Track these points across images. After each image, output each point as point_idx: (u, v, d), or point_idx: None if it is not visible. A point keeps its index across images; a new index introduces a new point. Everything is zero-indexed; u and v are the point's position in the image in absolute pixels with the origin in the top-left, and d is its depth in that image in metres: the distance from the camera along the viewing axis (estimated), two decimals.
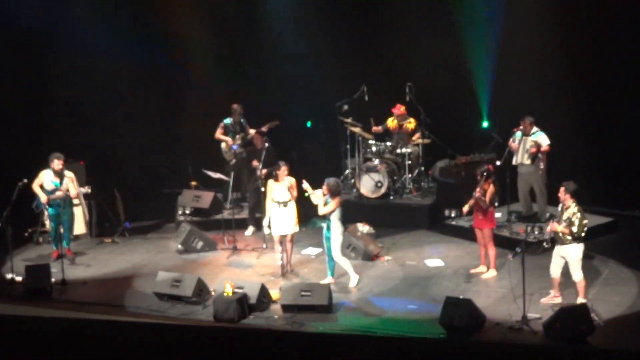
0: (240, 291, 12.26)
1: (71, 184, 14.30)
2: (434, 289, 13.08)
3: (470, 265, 13.75)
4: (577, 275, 11.97)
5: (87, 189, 14.79)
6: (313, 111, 17.91)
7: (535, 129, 14.71)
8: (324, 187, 13.00)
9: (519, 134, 14.76)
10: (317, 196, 13.11)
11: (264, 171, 14.78)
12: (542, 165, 14.72)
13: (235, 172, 15.93)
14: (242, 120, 16.13)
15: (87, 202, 15.26)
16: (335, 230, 12.99)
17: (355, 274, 13.21)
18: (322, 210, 12.99)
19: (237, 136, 16.05)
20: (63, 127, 16.57)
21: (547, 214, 14.73)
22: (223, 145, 16.18)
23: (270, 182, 13.68)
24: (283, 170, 13.54)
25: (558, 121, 15.55)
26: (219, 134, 16.14)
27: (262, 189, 14.62)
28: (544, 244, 12.27)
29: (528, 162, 14.68)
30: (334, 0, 17.70)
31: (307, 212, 14.40)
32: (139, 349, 8.83)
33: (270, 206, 13.60)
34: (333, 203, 12.95)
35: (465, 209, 13.47)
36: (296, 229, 13.66)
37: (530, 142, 14.63)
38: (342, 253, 13.21)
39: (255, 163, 14.95)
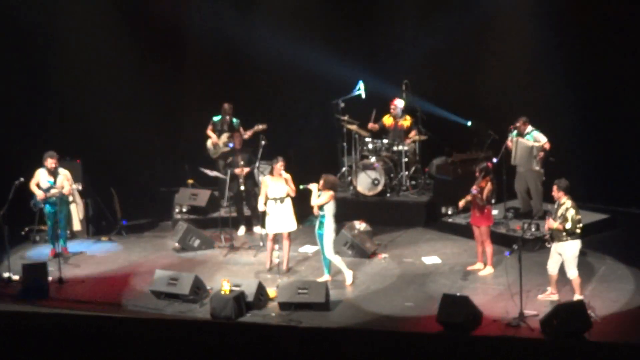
0: (238, 289, 12.27)
1: (66, 182, 14.30)
2: (431, 286, 13.09)
3: (467, 262, 13.76)
4: (572, 273, 11.99)
5: (77, 185, 14.78)
6: (311, 108, 17.89)
7: (529, 128, 14.72)
8: (320, 182, 12.97)
9: (514, 133, 14.77)
10: (312, 189, 13.06)
11: (246, 170, 14.89)
12: (537, 167, 14.70)
13: (230, 170, 15.92)
14: (234, 120, 16.09)
15: (83, 200, 15.24)
16: (328, 227, 12.98)
17: (349, 270, 13.21)
18: (314, 201, 12.95)
19: (223, 135, 16.02)
20: (60, 125, 16.56)
21: (541, 212, 14.74)
22: (208, 142, 16.19)
23: (266, 178, 13.67)
24: (280, 165, 13.53)
25: (555, 118, 15.57)
26: (209, 131, 16.17)
27: (242, 188, 14.90)
28: (546, 243, 12.26)
29: (537, 167, 14.65)
30: None
31: (304, 210, 14.40)
32: (136, 345, 8.84)
33: (261, 202, 13.59)
34: (327, 195, 12.92)
35: (462, 203, 13.48)
36: (294, 227, 13.66)
37: (535, 148, 14.54)
38: (338, 250, 13.20)
39: (237, 171, 14.98)
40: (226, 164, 15.55)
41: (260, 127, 15.73)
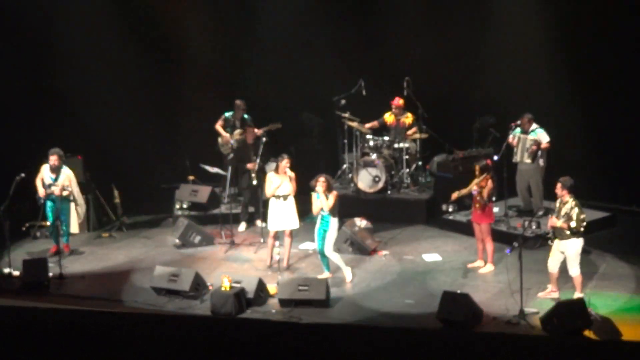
0: (238, 286, 12.27)
1: (67, 182, 14.27)
2: (432, 283, 13.09)
3: (467, 259, 13.76)
4: (574, 270, 11.99)
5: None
6: (310, 106, 17.86)
7: (534, 126, 14.73)
8: (321, 184, 12.95)
9: (517, 130, 14.77)
10: (320, 196, 13.06)
11: (256, 164, 14.88)
12: (542, 163, 14.75)
13: (232, 166, 15.91)
14: (245, 116, 16.04)
15: (84, 197, 15.19)
16: (334, 225, 12.99)
17: (348, 267, 13.21)
18: (327, 206, 12.96)
19: (236, 131, 15.97)
20: (61, 121, 16.55)
21: (542, 210, 14.74)
22: (219, 138, 16.14)
23: (270, 174, 13.66)
24: (285, 162, 13.51)
25: (557, 116, 15.56)
26: (218, 126, 16.09)
27: (255, 183, 14.81)
28: (549, 242, 12.24)
29: (529, 160, 14.69)
30: None
31: (304, 207, 14.40)
32: (137, 341, 8.85)
33: (268, 193, 13.58)
34: (333, 196, 12.96)
35: (455, 195, 13.44)
36: (296, 225, 13.65)
37: (529, 140, 14.64)
38: (339, 248, 13.19)
39: (249, 166, 14.99)
40: (230, 159, 15.57)
41: (275, 125, 15.71)
